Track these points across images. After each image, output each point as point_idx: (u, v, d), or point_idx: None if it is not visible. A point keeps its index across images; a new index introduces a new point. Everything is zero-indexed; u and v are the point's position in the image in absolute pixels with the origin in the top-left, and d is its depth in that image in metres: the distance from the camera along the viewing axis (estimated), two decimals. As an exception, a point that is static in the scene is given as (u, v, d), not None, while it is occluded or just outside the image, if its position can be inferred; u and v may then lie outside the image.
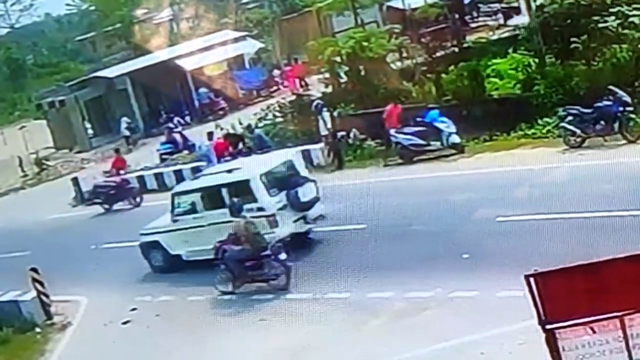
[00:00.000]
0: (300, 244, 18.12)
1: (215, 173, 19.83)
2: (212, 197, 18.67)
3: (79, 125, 43.59)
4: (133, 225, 21.23)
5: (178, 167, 29.15)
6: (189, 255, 18.89)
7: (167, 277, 19.06)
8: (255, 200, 17.76)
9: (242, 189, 17.97)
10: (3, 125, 55.35)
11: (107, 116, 44.15)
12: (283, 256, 16.48)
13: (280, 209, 17.95)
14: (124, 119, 40.65)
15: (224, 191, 18.28)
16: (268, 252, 16.59)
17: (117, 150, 31.90)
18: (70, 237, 24.82)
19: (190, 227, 18.78)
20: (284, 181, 18.38)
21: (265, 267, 16.61)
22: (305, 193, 18.30)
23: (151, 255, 19.57)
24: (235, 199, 17.46)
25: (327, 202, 18.90)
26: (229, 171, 19.18)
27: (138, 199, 27.14)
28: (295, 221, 18.15)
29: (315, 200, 18.54)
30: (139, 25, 58.59)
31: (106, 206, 27.45)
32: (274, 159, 19.37)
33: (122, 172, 28.63)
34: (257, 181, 17.99)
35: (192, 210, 19.07)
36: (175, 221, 19.15)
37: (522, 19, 30.04)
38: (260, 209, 17.69)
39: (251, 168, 18.83)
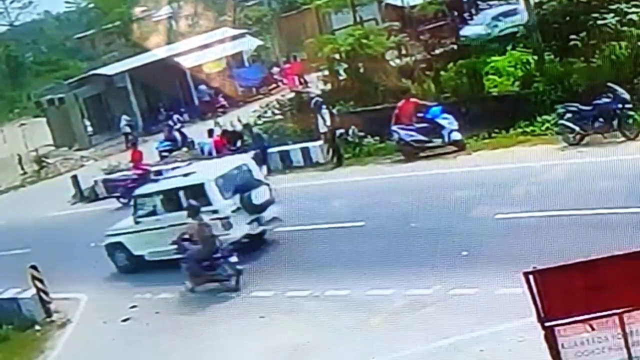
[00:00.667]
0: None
1: (174, 177, 20.35)
2: (170, 199, 19.08)
3: (78, 123, 43.52)
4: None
5: (177, 164, 29.08)
6: (151, 255, 19.32)
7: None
8: (209, 203, 18.15)
9: (197, 192, 18.37)
10: (2, 123, 55.31)
11: (107, 114, 44.10)
12: (234, 259, 16.87)
13: (234, 211, 18.34)
14: (124, 117, 40.56)
15: (181, 194, 18.65)
16: (219, 254, 16.95)
17: (133, 144, 30.92)
18: (70, 235, 24.80)
19: (151, 229, 19.18)
20: (238, 184, 18.72)
21: (218, 269, 17.00)
22: (259, 196, 18.67)
23: (116, 256, 19.99)
24: (192, 202, 17.72)
25: (326, 200, 18.89)
26: (185, 175, 19.61)
27: None
28: (249, 223, 18.50)
29: (269, 202, 18.88)
30: (138, 23, 58.66)
31: (124, 200, 26.72)
32: (229, 163, 19.95)
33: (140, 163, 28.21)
34: (211, 184, 18.48)
35: (153, 212, 19.50)
36: (137, 223, 19.65)
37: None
38: (214, 212, 18.07)
39: (206, 172, 19.38)
